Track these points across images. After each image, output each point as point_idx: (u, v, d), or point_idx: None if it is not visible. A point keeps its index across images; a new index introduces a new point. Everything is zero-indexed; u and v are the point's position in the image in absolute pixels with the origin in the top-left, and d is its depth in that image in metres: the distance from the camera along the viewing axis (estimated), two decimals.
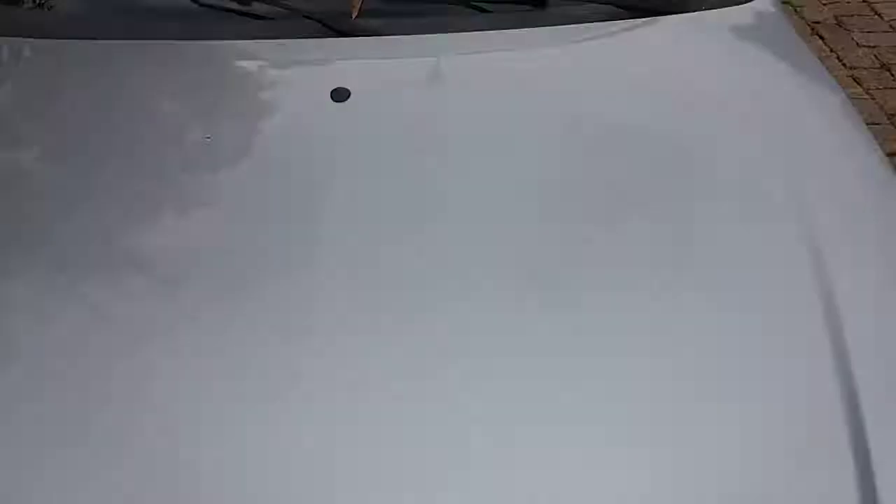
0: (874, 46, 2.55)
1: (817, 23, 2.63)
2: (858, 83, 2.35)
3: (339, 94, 0.87)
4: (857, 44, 2.56)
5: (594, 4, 1.05)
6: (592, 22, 1.05)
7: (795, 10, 2.51)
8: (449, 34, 1.00)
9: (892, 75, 2.45)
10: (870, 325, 0.71)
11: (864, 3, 2.72)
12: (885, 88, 2.37)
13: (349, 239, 0.74)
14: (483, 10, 1.04)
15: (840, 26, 2.64)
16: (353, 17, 0.95)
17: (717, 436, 0.63)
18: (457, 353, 0.65)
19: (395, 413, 0.61)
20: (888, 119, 2.25)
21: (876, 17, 2.67)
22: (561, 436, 0.61)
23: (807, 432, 0.64)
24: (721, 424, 0.63)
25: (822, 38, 2.57)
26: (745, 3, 1.11)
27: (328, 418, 0.60)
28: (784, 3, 1.56)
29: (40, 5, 1.12)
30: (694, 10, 1.08)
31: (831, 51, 2.51)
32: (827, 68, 1.18)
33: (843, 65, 2.44)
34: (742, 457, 0.62)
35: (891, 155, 1.30)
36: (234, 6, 1.00)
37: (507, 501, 0.57)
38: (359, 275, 0.71)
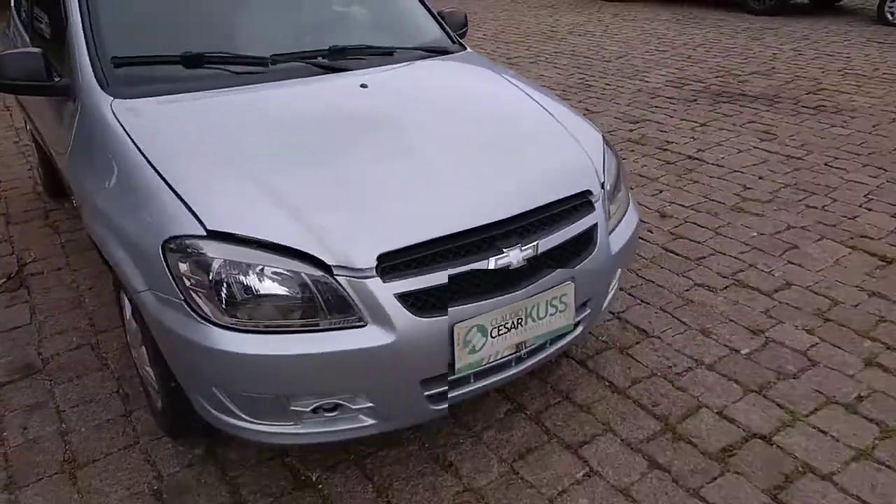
0: None
1: None
2: None
3: (364, 85, 2.34)
4: None
5: (417, 50, 2.72)
6: (416, 59, 2.67)
7: None
8: (381, 67, 2.55)
9: None
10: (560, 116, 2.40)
11: None
12: None
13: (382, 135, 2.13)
14: (384, 54, 2.62)
15: None
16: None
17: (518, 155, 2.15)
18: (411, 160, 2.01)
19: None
20: None
21: None
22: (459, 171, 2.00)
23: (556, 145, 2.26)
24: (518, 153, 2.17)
25: None
26: (465, 50, 2.93)
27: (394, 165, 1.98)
28: None
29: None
30: (451, 53, 2.83)
31: None
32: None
33: None
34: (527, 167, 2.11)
35: None
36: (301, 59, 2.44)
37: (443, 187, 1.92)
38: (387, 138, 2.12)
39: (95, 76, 2.17)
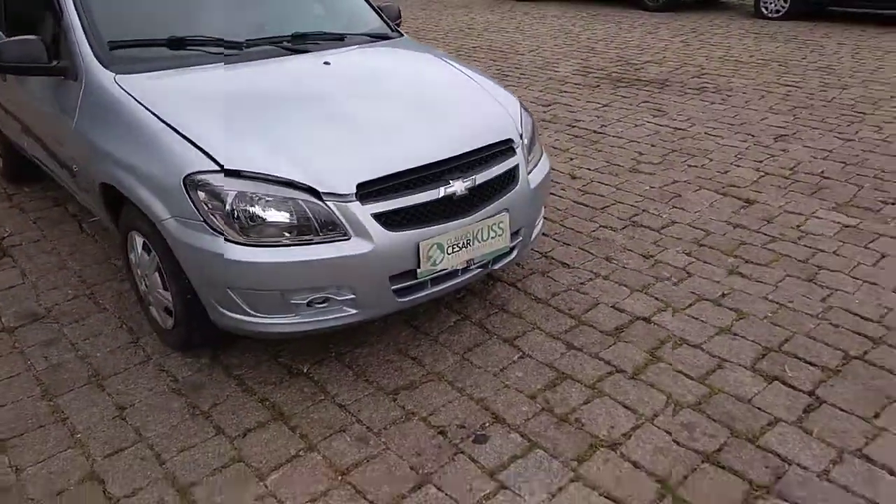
0: None
1: None
2: None
3: (327, 62, 2.81)
4: None
5: (364, 36, 3.26)
6: (364, 43, 3.20)
7: None
8: (336, 49, 3.05)
9: None
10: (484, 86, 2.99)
11: None
12: None
13: (334, 95, 2.65)
14: (336, 39, 3.11)
15: None
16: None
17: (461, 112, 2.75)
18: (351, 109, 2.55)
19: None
20: None
21: None
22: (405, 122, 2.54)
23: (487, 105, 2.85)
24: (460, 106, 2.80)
25: None
26: (402, 36, 3.44)
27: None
28: None
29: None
30: (392, 38, 3.35)
31: None
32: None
33: None
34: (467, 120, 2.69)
35: None
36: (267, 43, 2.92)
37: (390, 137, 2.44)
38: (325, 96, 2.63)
39: (97, 57, 2.56)
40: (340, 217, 2.16)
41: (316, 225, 2.16)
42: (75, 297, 3.01)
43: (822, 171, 4.41)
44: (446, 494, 1.99)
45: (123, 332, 2.75)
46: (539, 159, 2.86)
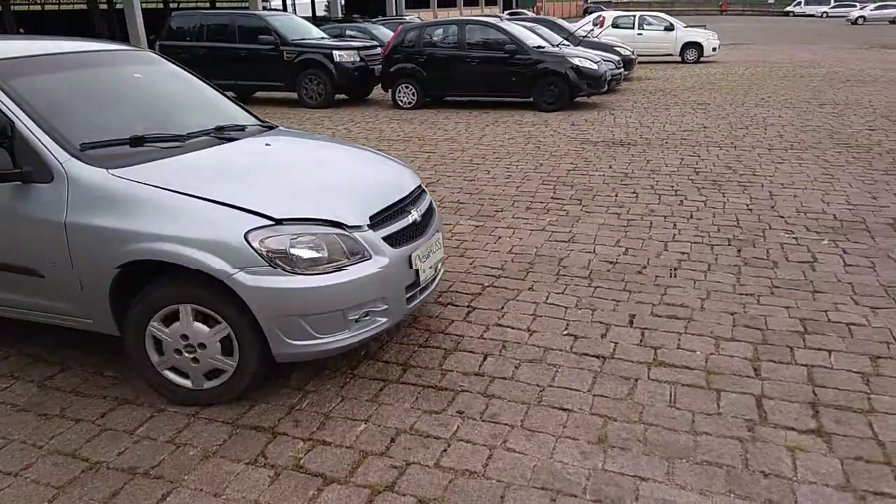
0: None
1: None
2: None
3: (268, 144, 3.70)
4: None
5: (257, 127, 3.99)
6: (261, 132, 3.91)
7: None
8: (251, 137, 3.76)
9: None
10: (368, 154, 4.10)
11: None
12: None
13: (276, 163, 3.49)
14: (241, 129, 3.79)
15: None
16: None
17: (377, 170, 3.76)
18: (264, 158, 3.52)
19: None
20: None
21: None
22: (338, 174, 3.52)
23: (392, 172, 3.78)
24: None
25: None
26: (279, 126, 4.21)
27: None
28: None
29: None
30: (276, 128, 4.11)
31: None
32: None
33: None
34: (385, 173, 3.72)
35: None
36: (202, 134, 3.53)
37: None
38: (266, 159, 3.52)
39: (75, 157, 2.84)
40: (363, 243, 2.92)
41: (346, 252, 2.86)
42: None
43: (459, 200, 6.47)
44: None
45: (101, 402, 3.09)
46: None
